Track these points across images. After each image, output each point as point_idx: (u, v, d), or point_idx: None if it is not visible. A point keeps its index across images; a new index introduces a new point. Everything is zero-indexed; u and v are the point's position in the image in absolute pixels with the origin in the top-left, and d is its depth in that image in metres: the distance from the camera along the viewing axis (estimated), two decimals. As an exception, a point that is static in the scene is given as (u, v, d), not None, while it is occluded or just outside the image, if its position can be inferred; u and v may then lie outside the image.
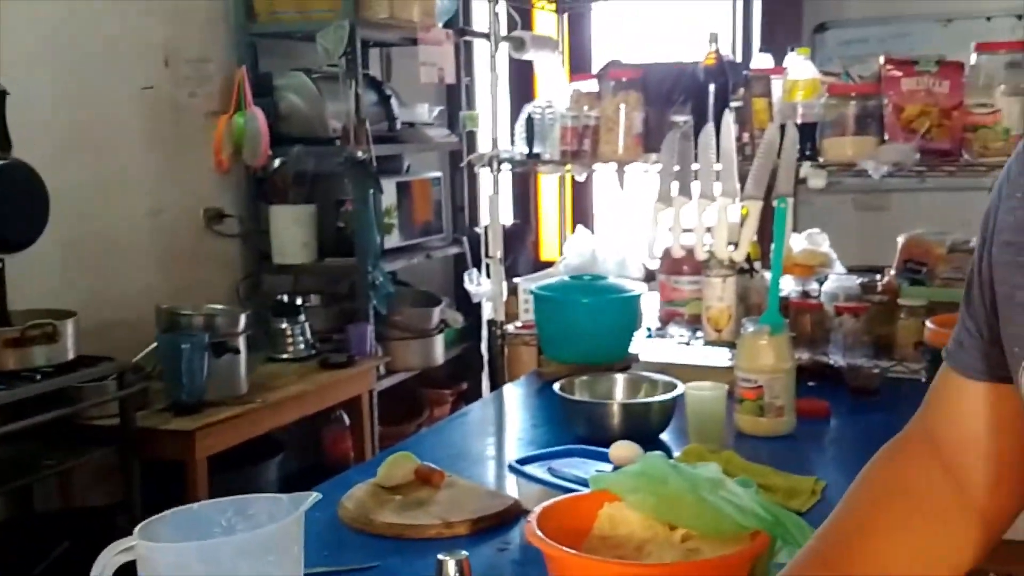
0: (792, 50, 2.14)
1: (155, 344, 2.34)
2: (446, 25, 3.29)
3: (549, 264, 2.91)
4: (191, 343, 2.25)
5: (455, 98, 3.58)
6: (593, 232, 3.41)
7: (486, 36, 2.27)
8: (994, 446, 0.81)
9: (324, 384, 2.76)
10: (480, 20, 3.41)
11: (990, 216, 0.80)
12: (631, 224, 2.50)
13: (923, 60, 1.96)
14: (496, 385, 2.28)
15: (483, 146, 2.29)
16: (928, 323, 1.84)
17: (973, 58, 1.94)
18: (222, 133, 2.87)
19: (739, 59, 2.71)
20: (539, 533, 1.00)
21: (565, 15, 2.77)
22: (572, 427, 1.70)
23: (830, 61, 3.09)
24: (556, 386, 1.73)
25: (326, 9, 2.88)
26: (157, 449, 2.25)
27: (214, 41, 2.95)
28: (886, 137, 1.97)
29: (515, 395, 2.09)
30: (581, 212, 3.54)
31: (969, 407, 0.83)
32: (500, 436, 1.88)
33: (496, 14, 2.23)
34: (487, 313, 2.40)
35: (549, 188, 3.76)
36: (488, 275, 2.34)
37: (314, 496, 0.90)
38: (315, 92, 2.97)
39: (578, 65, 3.25)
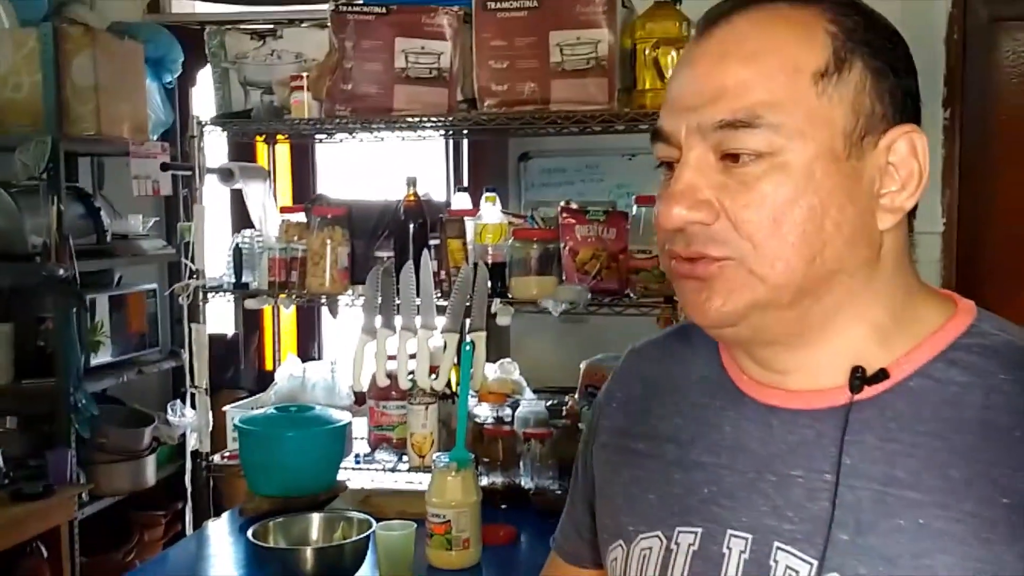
0: (486, 192, 2.33)
1: None
2: (162, 137, 3.26)
3: (272, 375, 2.91)
4: None
5: (174, 208, 3.52)
6: (321, 354, 3.47)
7: (190, 169, 2.29)
8: None
9: (17, 518, 2.58)
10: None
11: (594, 417, 0.96)
12: (343, 351, 2.57)
13: (593, 210, 2.20)
14: (200, 521, 2.24)
15: (203, 262, 2.28)
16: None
17: (634, 208, 2.21)
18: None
19: (450, 193, 2.88)
20: None
21: (285, 146, 2.84)
22: (267, 574, 1.72)
23: (533, 186, 3.37)
24: (249, 532, 1.75)
25: (26, 124, 2.78)
26: None
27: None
28: (564, 277, 2.19)
29: (217, 534, 2.07)
30: (309, 331, 3.57)
31: None
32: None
33: (201, 148, 2.25)
34: (191, 444, 2.35)
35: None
36: (193, 405, 2.31)
37: None
38: (13, 207, 2.83)
39: (302, 194, 3.32)
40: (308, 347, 3.54)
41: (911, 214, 0.78)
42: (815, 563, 0.72)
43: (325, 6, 2.24)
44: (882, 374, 0.75)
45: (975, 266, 2.95)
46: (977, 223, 2.95)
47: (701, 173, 0.74)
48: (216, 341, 3.02)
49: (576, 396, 2.35)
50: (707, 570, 0.77)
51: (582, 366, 2.39)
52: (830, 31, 0.74)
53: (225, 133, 2.39)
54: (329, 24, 2.22)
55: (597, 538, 0.92)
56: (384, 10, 2.19)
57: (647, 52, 2.11)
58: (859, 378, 0.75)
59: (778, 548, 0.74)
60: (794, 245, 0.72)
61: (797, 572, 0.73)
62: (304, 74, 2.24)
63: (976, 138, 2.94)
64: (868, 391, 0.75)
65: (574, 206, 2.24)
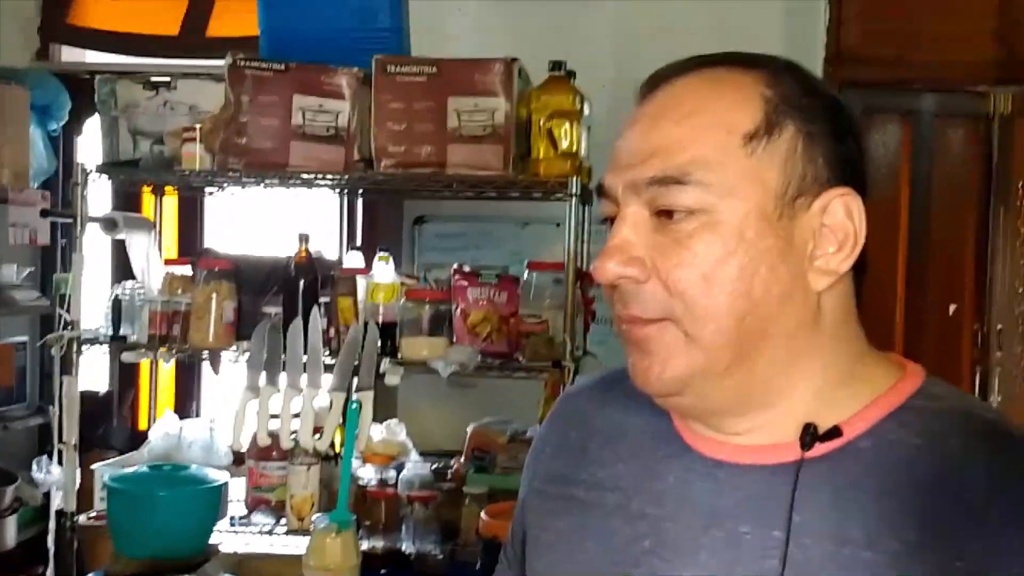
0: (380, 252, 2.32)
1: None
2: (43, 185, 3.15)
3: (145, 434, 2.80)
4: None
5: (50, 259, 3.39)
6: (199, 413, 3.35)
7: (71, 217, 2.21)
8: None
9: None
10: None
11: (529, 465, 0.93)
12: (223, 409, 2.50)
13: (485, 273, 2.22)
14: (61, 584, 2.12)
15: (79, 312, 2.20)
16: (483, 514, 2.03)
17: (526, 274, 2.24)
18: None
19: (343, 252, 2.87)
20: None
21: (173, 199, 2.78)
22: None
23: (428, 250, 3.38)
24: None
25: None
26: None
27: None
28: (455, 339, 2.19)
29: (78, 598, 1.96)
30: (188, 388, 3.45)
31: None
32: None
33: (84, 196, 2.19)
34: (56, 503, 2.23)
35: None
36: (60, 462, 2.19)
37: None
38: None
39: (189, 246, 3.25)
40: (186, 406, 3.42)
41: (859, 277, 0.79)
42: None
43: (221, 61, 2.23)
44: (835, 431, 0.74)
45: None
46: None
47: (636, 230, 0.75)
48: (88, 399, 2.88)
49: (462, 459, 2.33)
50: None
51: (469, 429, 2.39)
52: (765, 95, 0.75)
53: (111, 183, 2.33)
54: (226, 77, 2.21)
55: None
56: (283, 67, 2.19)
57: (541, 123, 2.17)
58: (811, 435, 0.74)
59: None
60: (725, 305, 0.72)
61: None
62: (197, 126, 2.21)
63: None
64: (818, 449, 0.74)
65: (467, 269, 2.26)
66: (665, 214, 0.74)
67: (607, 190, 0.78)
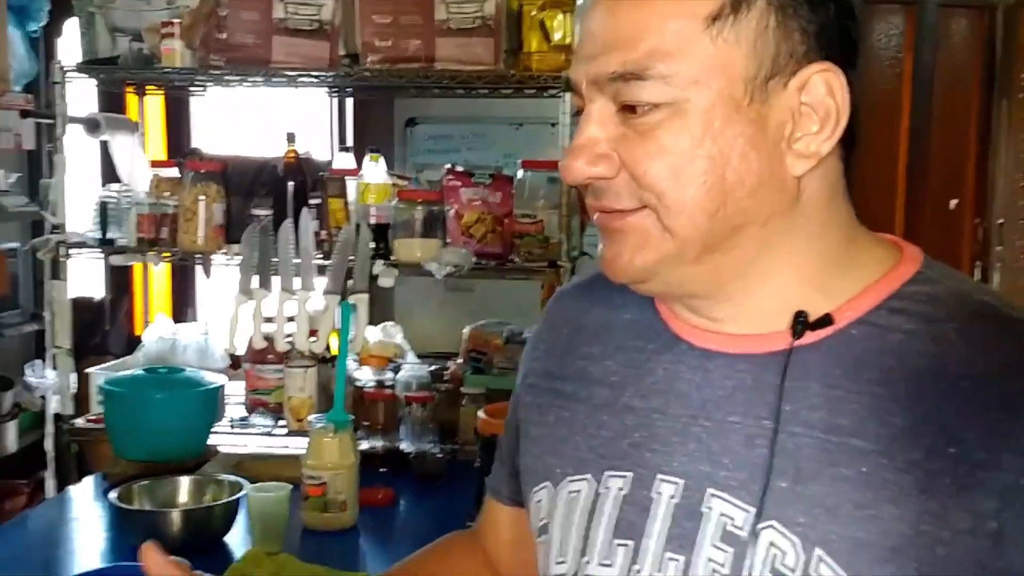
0: (370, 152, 2.27)
1: None
2: (26, 89, 3.07)
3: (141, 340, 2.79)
4: None
5: (37, 164, 3.33)
6: (196, 318, 3.34)
7: (51, 117, 2.15)
8: (517, 556, 0.95)
9: None
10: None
11: (523, 362, 0.93)
12: (218, 313, 2.48)
13: (479, 173, 2.18)
14: (63, 485, 2.14)
15: (64, 216, 2.16)
16: (480, 412, 2.03)
17: (520, 172, 2.20)
18: None
19: (333, 153, 2.82)
20: None
21: (159, 99, 2.70)
22: (131, 537, 1.65)
23: (419, 152, 3.32)
24: (112, 495, 1.67)
25: None
26: None
27: None
28: (448, 240, 2.16)
29: (81, 498, 1.98)
30: (183, 293, 3.43)
31: (499, 524, 0.99)
32: (55, 551, 1.76)
33: (63, 96, 2.12)
34: (53, 406, 2.24)
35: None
36: (55, 366, 2.19)
37: None
38: None
39: (176, 148, 3.18)
40: (183, 311, 3.41)
41: (848, 154, 0.75)
42: (752, 511, 0.70)
43: (201, -49, 2.13)
44: (826, 319, 0.72)
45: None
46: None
47: (602, 126, 0.72)
48: (82, 305, 2.88)
49: (459, 361, 2.33)
50: (636, 515, 0.75)
51: (465, 332, 2.38)
52: None
53: (92, 81, 2.26)
54: (205, -30, 2.12)
55: (515, 479, 0.91)
56: (264, -43, 2.11)
57: (533, 14, 2.09)
58: (801, 323, 0.72)
59: (712, 495, 0.72)
60: (694, 199, 0.70)
61: (732, 519, 0.71)
62: (176, 21, 2.13)
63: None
64: (809, 337, 0.72)
65: (460, 169, 2.21)
66: (629, 108, 0.70)
67: (574, 84, 0.74)
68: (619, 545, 0.75)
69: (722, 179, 0.69)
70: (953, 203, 3.03)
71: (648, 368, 0.79)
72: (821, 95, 0.70)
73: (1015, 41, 3.03)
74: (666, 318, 0.80)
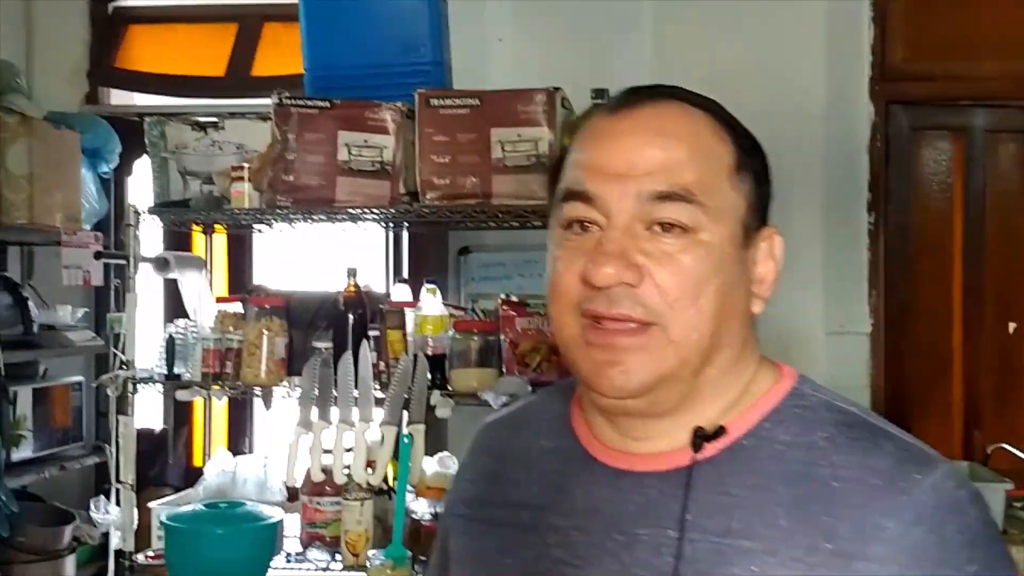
0: (427, 284, 2.32)
1: None
2: (95, 227, 3.21)
3: (200, 471, 2.82)
4: None
5: (104, 299, 3.44)
6: (252, 449, 3.37)
7: (124, 258, 2.25)
8: None
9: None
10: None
11: (453, 489, 1.00)
12: (276, 445, 2.51)
13: (533, 303, 2.21)
14: (121, 623, 2.13)
15: (134, 352, 2.23)
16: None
17: (574, 303, 2.22)
18: None
19: (390, 285, 2.88)
20: None
21: (222, 236, 2.81)
22: None
23: (473, 280, 3.38)
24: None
25: (-47, 213, 2.72)
26: None
27: None
28: (504, 370, 2.18)
29: (138, 637, 1.97)
30: (240, 424, 3.47)
31: None
32: None
33: (137, 236, 2.22)
34: (115, 542, 2.25)
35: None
36: (118, 502, 2.21)
37: None
38: (-64, 294, 2.74)
39: (237, 282, 3.29)
40: (239, 442, 3.44)
41: None
42: None
43: (267, 100, 2.26)
44: (720, 430, 0.82)
45: (901, 365, 3.01)
46: (903, 323, 3.03)
47: (633, 239, 0.80)
48: (143, 436, 2.91)
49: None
50: None
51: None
52: (732, 135, 0.84)
53: (161, 223, 2.36)
54: (272, 116, 2.24)
55: None
56: (328, 104, 2.22)
57: (585, 150, 2.16)
58: (700, 436, 0.81)
59: None
60: (707, 318, 0.80)
61: None
62: (245, 165, 2.24)
63: (899, 241, 3.04)
64: (708, 451, 0.81)
65: (514, 299, 2.25)
66: (659, 226, 0.80)
67: (593, 197, 0.82)
68: None
69: (724, 304, 0.81)
70: (1012, 327, 2.99)
71: (568, 489, 0.86)
72: (777, 251, 0.86)
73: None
74: (584, 442, 0.88)
